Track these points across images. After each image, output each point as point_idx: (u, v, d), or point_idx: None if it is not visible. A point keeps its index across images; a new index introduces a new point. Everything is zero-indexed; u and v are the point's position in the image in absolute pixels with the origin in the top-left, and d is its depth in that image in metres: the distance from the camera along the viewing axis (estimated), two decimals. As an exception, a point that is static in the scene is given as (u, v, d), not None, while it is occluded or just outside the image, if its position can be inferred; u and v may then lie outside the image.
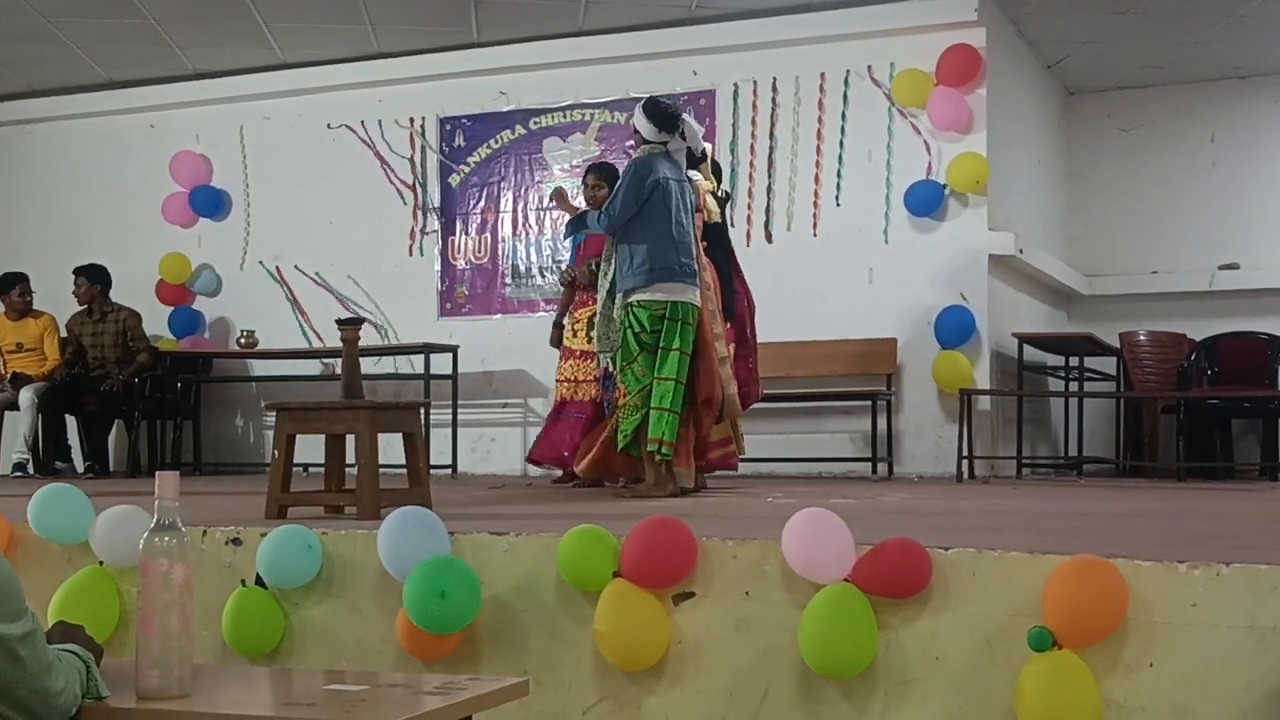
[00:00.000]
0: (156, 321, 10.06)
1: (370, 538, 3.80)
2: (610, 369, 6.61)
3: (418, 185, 9.81)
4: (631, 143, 6.57)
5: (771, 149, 8.97)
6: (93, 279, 9.38)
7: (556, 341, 7.51)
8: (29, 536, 4.21)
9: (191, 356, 10.00)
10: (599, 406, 7.14)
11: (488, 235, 9.61)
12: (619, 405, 6.20)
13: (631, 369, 6.05)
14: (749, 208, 8.97)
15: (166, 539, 2.28)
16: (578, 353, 7.33)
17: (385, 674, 3.36)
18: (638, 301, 6.02)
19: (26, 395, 8.99)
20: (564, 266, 7.58)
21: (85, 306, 9.44)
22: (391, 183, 9.85)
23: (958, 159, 8.48)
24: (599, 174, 7.19)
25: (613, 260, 6.22)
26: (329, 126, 10.02)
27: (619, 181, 6.25)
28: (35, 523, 4.13)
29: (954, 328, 8.45)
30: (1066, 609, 3.00)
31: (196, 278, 10.28)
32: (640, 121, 6.22)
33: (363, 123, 9.95)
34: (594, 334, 6.42)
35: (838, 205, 8.79)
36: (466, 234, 9.68)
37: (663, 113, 6.24)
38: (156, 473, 2.33)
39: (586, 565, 3.54)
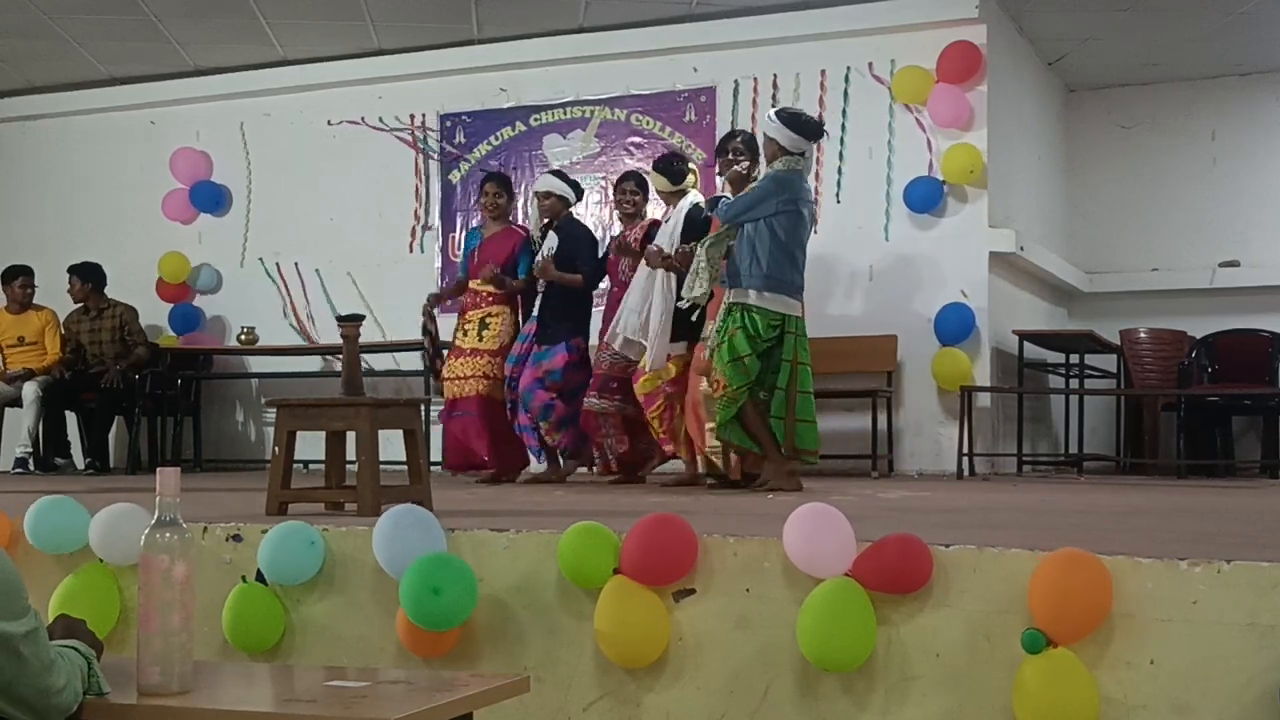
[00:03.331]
0: (157, 318, 10.07)
1: (370, 535, 3.79)
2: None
3: (418, 182, 9.80)
4: (743, 157, 6.52)
5: (772, 146, 8.96)
6: (85, 277, 9.41)
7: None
8: (30, 533, 4.21)
9: (192, 353, 10.00)
10: (489, 402, 7.38)
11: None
12: (715, 395, 6.15)
13: (740, 364, 6.07)
14: (749, 205, 8.96)
15: (168, 535, 2.29)
16: (467, 350, 7.47)
17: (386, 670, 3.35)
18: (756, 307, 6.13)
19: (31, 390, 9.01)
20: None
21: (80, 305, 9.46)
22: (391, 179, 9.84)
23: (951, 149, 8.47)
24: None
25: (727, 246, 6.24)
26: (329, 123, 10.02)
27: (759, 186, 6.21)
28: (31, 534, 4.12)
29: (954, 325, 8.45)
30: (1051, 603, 3.01)
31: (197, 276, 10.29)
32: (777, 130, 6.20)
33: (363, 119, 9.95)
34: (689, 282, 6.31)
35: (838, 202, 8.78)
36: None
37: (806, 122, 6.31)
38: (157, 469, 2.33)
39: (587, 562, 3.54)
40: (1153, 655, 2.99)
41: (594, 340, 7.46)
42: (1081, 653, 3.00)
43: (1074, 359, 9.14)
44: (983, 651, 3.16)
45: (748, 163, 6.54)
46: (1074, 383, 9.20)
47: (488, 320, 7.49)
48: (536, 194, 7.63)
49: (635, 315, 6.92)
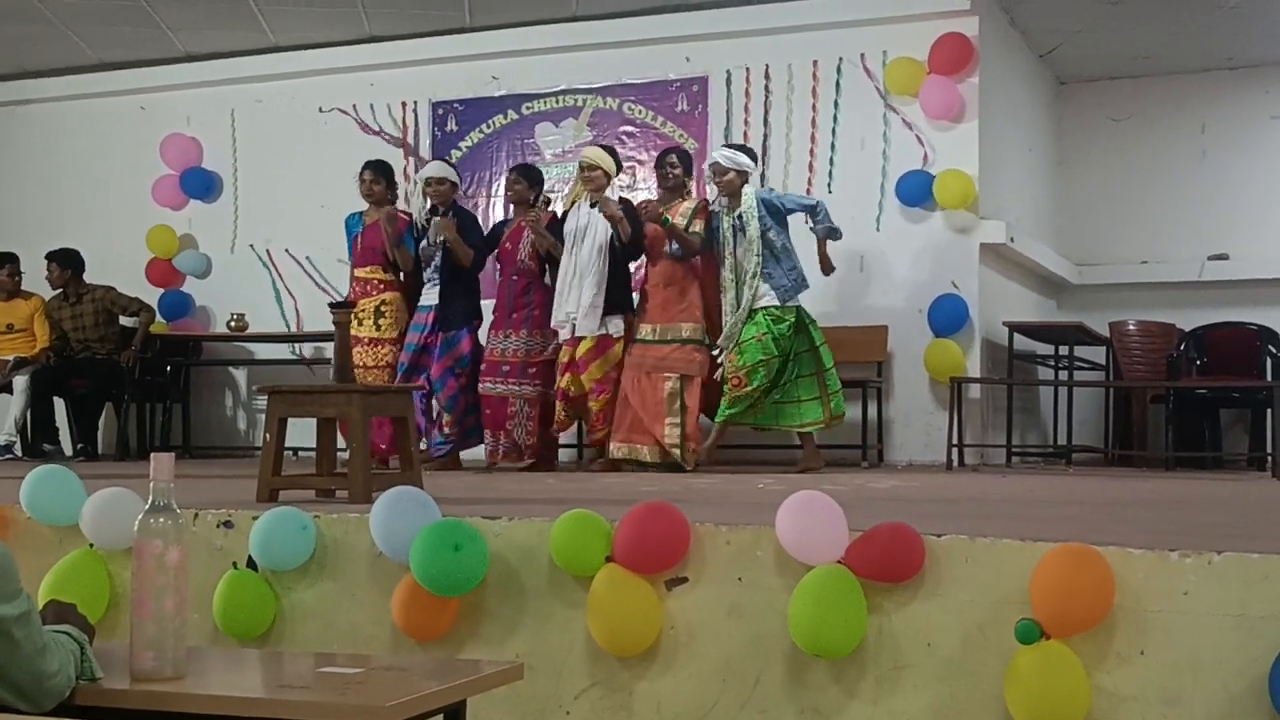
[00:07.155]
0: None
1: (362, 521, 3.80)
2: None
3: (406, 164, 9.78)
4: (717, 178, 7.46)
5: (765, 136, 8.96)
6: (64, 264, 9.35)
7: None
8: (19, 518, 4.20)
9: (181, 339, 9.98)
10: None
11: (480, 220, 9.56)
12: (736, 392, 7.18)
13: (763, 366, 7.19)
14: (741, 194, 8.96)
15: (161, 520, 2.28)
16: (366, 340, 7.64)
17: (378, 657, 3.36)
18: (799, 306, 7.39)
19: (21, 379, 8.98)
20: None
21: (60, 291, 9.41)
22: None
23: (945, 174, 8.42)
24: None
25: (753, 269, 7.21)
26: (321, 110, 9.99)
27: (798, 196, 7.69)
28: (28, 503, 4.12)
29: (947, 316, 8.46)
30: (1054, 598, 3.01)
31: (182, 252, 10.25)
32: (741, 159, 7.41)
33: (354, 106, 9.92)
34: (727, 335, 7.24)
35: (830, 193, 8.76)
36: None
37: (750, 149, 7.79)
38: (151, 454, 2.32)
39: (579, 550, 3.54)
40: (1143, 646, 3.00)
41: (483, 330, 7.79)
42: (1074, 644, 3.01)
43: (1063, 351, 9.16)
44: (975, 641, 3.17)
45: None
46: (1063, 374, 9.22)
47: (382, 309, 7.72)
48: (431, 179, 7.78)
49: (574, 292, 7.27)
